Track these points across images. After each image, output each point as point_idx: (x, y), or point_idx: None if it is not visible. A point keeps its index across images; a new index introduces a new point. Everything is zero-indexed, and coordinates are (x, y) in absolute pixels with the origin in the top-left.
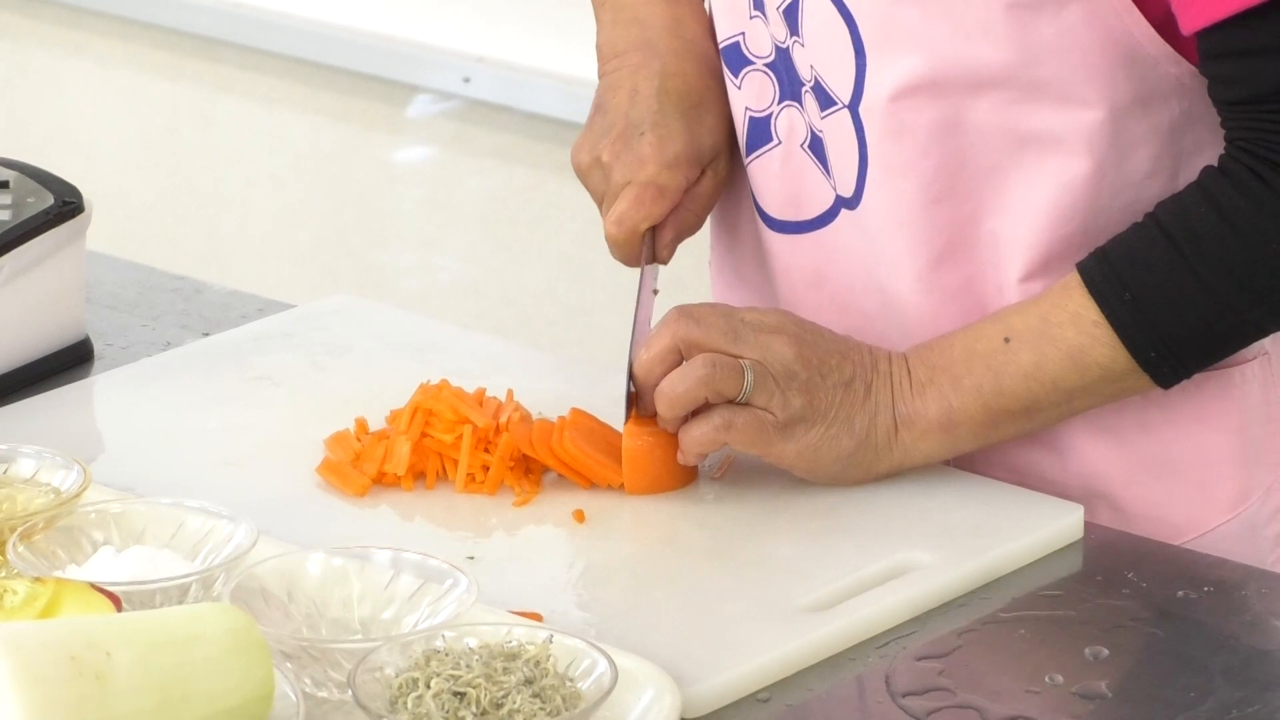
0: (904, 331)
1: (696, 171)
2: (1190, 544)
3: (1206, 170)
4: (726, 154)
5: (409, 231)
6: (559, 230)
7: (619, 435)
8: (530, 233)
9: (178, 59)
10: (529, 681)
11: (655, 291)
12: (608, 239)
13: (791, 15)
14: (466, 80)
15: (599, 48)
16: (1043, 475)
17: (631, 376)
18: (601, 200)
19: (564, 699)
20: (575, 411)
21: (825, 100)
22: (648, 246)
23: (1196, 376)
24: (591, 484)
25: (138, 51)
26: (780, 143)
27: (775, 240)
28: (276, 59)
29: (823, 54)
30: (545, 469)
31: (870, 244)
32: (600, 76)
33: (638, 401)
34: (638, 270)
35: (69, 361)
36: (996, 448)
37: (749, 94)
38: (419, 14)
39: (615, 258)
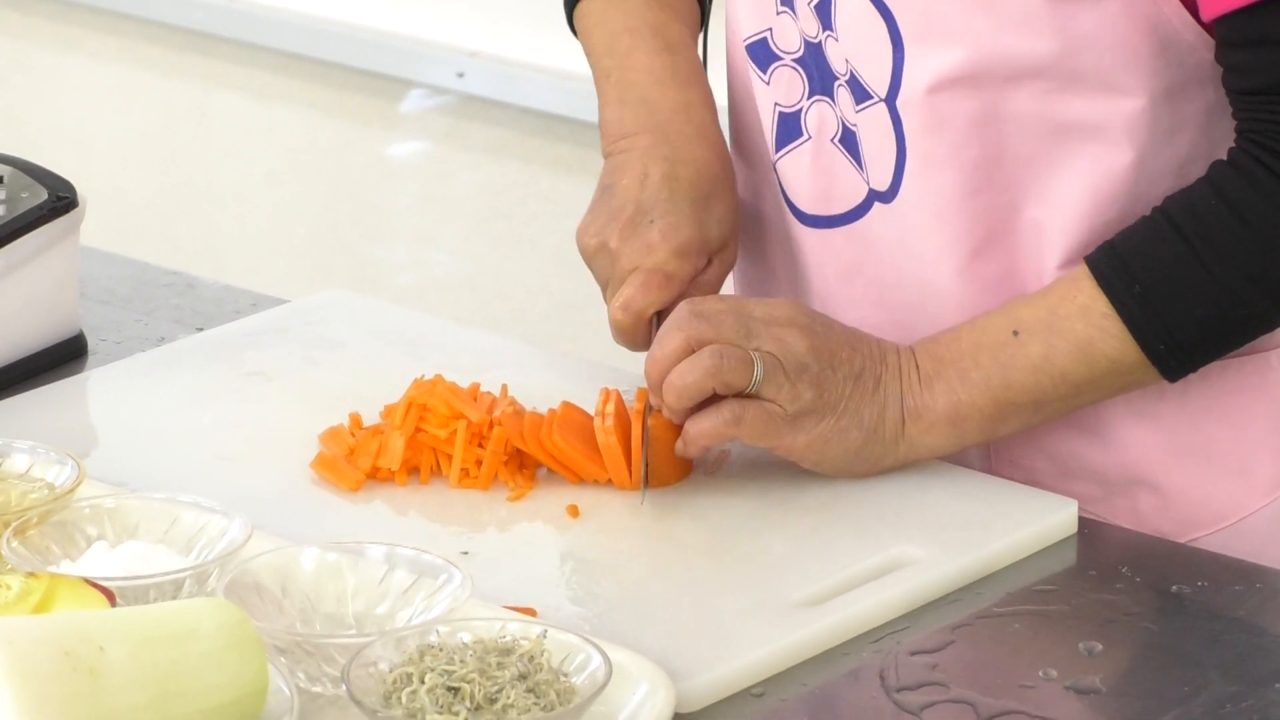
0: (939, 322)
1: (704, 261)
2: (1229, 529)
3: (1215, 164)
4: (734, 243)
5: (403, 226)
6: (553, 225)
7: None
8: (525, 227)
9: (173, 54)
10: (523, 676)
11: None
12: (612, 323)
13: (824, 10)
14: (461, 75)
15: (603, 125)
16: (1084, 462)
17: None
18: (606, 285)
19: (558, 694)
20: (565, 405)
21: (861, 94)
22: (652, 334)
23: (1232, 361)
24: (580, 479)
25: (132, 47)
26: (810, 138)
27: (806, 234)
28: (271, 54)
29: (858, 48)
30: (539, 464)
31: (906, 236)
32: (606, 156)
33: (645, 398)
34: None
35: (63, 356)
36: (1036, 434)
37: (778, 90)
38: (413, 9)
39: (619, 343)
